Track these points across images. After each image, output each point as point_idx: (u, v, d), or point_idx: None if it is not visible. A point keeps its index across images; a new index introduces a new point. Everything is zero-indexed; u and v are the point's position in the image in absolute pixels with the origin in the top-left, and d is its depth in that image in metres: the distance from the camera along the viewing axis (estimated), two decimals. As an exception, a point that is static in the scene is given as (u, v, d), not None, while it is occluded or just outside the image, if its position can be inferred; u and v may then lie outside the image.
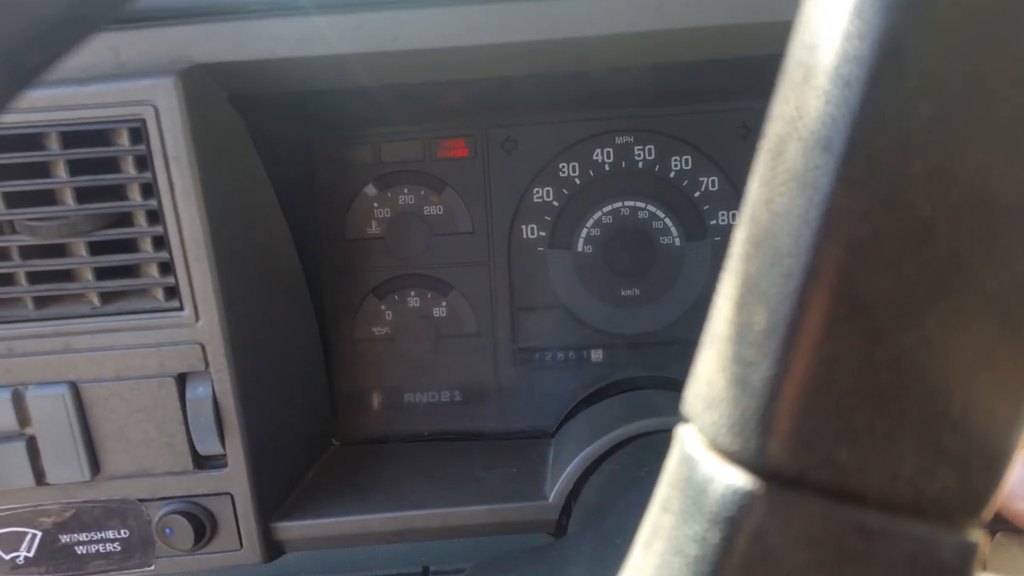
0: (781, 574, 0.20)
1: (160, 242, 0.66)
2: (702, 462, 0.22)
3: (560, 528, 0.76)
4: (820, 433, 0.20)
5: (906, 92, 0.18)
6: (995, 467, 0.20)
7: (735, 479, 0.21)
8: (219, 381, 0.68)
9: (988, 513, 0.21)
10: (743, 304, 0.21)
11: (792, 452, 0.20)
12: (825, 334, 0.20)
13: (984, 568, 0.23)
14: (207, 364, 0.68)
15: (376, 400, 0.97)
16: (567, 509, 0.76)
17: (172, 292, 0.67)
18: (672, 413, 0.78)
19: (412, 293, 0.95)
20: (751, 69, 0.80)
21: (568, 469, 0.75)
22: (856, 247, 0.19)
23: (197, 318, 0.67)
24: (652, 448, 0.72)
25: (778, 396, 0.20)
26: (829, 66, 0.19)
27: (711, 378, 0.22)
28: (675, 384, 0.92)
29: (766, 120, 0.22)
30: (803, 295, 0.19)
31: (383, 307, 0.95)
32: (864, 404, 0.20)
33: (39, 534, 0.72)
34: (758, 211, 0.21)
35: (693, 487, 0.22)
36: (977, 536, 0.21)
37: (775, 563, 0.20)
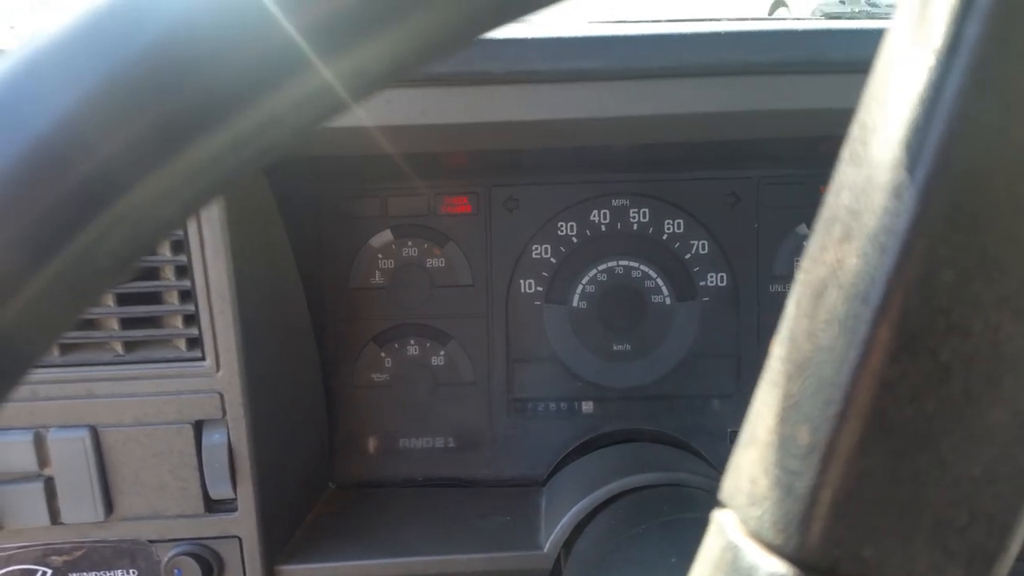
0: (815, 652, 0.24)
1: (186, 295, 0.69)
2: (746, 550, 0.26)
3: (553, 577, 0.80)
4: (850, 533, 0.24)
5: (933, 263, 0.22)
6: (996, 564, 0.25)
7: (777, 568, 0.25)
8: (235, 428, 0.71)
9: (987, 603, 0.25)
10: (787, 419, 0.25)
11: (826, 548, 0.24)
12: (858, 453, 0.24)
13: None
14: (224, 412, 0.71)
15: (372, 444, 1.00)
16: (559, 558, 0.79)
17: (194, 343, 0.70)
18: (661, 468, 0.82)
19: (412, 342, 0.99)
20: (741, 145, 0.85)
21: (564, 520, 0.78)
22: (887, 383, 0.23)
23: (218, 368, 0.70)
24: (646, 505, 0.76)
25: (816, 502, 0.24)
26: (869, 232, 0.23)
27: (754, 476, 0.26)
28: (663, 437, 0.97)
29: (804, 258, 0.26)
30: (842, 420, 0.24)
31: (383, 354, 0.99)
32: (888, 511, 0.24)
33: (49, 572, 0.73)
34: (799, 338, 0.25)
35: (737, 571, 0.26)
36: (977, 623, 0.25)
37: (811, 643, 0.24)
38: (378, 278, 0.98)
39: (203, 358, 0.70)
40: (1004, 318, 0.23)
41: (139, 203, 0.23)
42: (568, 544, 0.79)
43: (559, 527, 0.78)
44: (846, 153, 0.26)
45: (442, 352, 0.99)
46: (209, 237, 0.66)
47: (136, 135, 0.22)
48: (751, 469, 0.26)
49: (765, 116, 0.69)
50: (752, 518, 0.26)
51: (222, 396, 0.70)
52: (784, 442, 0.25)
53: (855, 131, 0.25)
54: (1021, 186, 0.22)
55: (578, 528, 0.78)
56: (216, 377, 0.70)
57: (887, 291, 0.23)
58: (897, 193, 0.23)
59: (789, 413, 0.25)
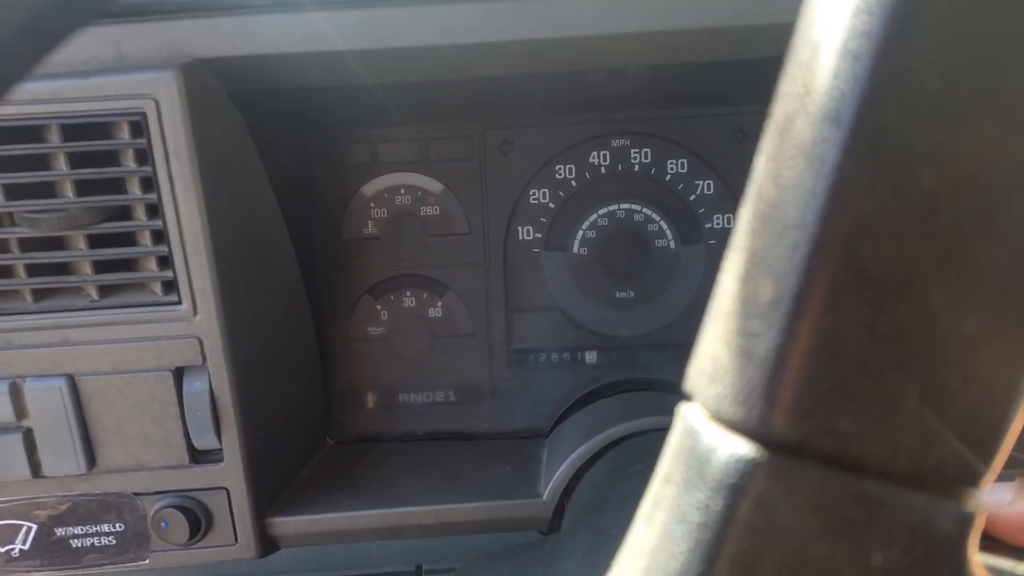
0: (783, 540, 0.20)
1: (159, 236, 0.66)
2: (705, 433, 0.22)
3: (552, 526, 0.77)
4: (822, 402, 0.20)
5: (913, 66, 0.19)
6: (994, 439, 0.21)
7: (738, 447, 0.21)
8: (216, 376, 0.69)
9: (986, 484, 0.21)
10: (749, 277, 0.21)
11: (795, 420, 0.20)
12: (830, 305, 0.20)
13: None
14: (204, 358, 0.68)
15: (371, 399, 0.97)
16: (560, 507, 0.76)
17: (170, 286, 0.67)
18: (667, 413, 0.78)
19: (408, 293, 0.96)
20: (748, 73, 0.81)
21: (562, 467, 0.75)
22: (862, 219, 0.19)
23: (195, 312, 0.67)
24: (646, 447, 0.72)
25: (782, 365, 0.20)
26: (838, 41, 0.20)
27: (715, 352, 0.23)
28: (670, 386, 0.93)
29: (775, 100, 0.23)
30: (809, 266, 0.20)
31: (379, 307, 0.96)
32: (866, 374, 0.20)
33: (34, 527, 0.71)
34: (765, 187, 0.22)
35: (696, 457, 0.22)
36: (975, 506, 0.21)
37: (777, 529, 0.20)
38: (371, 228, 0.94)
39: (179, 302, 0.67)
40: (998, 134, 0.19)
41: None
42: (569, 491, 0.76)
43: (558, 474, 0.75)
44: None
45: (439, 303, 0.96)
46: (178, 173, 0.63)
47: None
48: (712, 345, 0.23)
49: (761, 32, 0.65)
50: (712, 397, 0.22)
51: (201, 341, 0.68)
52: (746, 303, 0.21)
53: None
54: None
55: (578, 475, 0.75)
56: (194, 321, 0.67)
57: (860, 106, 0.19)
58: (869, -12, 0.19)
59: (752, 271, 0.21)
